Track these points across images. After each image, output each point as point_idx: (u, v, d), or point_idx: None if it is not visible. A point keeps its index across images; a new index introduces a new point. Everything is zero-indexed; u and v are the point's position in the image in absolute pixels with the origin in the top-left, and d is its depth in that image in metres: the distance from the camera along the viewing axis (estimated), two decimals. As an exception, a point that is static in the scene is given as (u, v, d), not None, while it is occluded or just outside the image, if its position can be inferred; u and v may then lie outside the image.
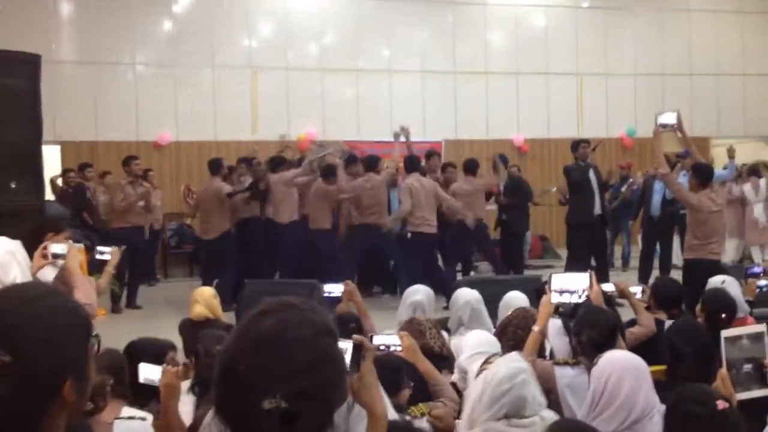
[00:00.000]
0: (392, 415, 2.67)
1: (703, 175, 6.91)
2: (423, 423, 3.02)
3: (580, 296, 4.01)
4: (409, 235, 9.46)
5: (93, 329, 1.42)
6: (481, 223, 9.95)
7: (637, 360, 3.11)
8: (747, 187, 11.61)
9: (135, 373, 3.34)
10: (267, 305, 1.39)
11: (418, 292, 4.87)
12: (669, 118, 6.59)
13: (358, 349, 1.91)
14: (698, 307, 4.70)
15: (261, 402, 1.23)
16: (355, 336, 1.94)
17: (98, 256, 5.07)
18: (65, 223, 5.19)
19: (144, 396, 3.36)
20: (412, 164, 9.61)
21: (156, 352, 3.68)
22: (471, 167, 10.10)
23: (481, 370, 2.86)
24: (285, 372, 1.26)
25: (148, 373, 3.24)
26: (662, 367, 3.90)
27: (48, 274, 4.56)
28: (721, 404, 2.45)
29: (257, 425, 1.25)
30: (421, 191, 9.23)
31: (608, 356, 3.13)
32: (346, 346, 1.91)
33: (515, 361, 2.83)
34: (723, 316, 4.39)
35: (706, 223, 6.79)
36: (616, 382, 2.97)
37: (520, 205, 10.97)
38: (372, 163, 9.84)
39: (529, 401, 2.74)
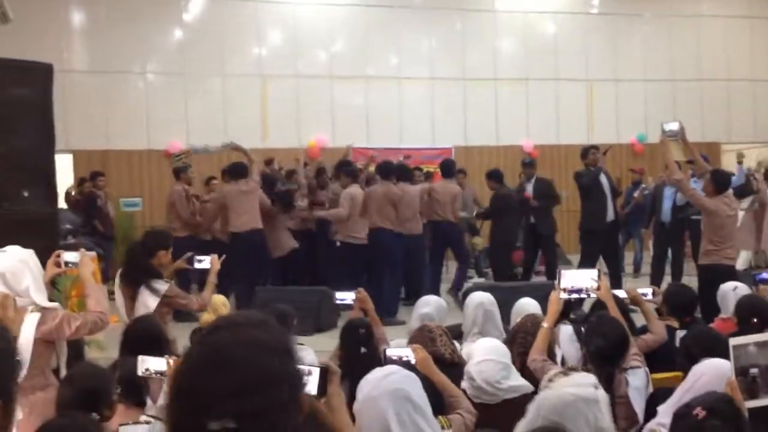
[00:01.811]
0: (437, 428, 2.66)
1: (721, 181, 6.92)
2: None
3: (588, 293, 4.01)
4: (338, 243, 9.48)
5: (17, 353, 1.40)
6: (456, 226, 10.29)
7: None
8: None
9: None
10: (218, 323, 1.34)
11: (429, 304, 4.86)
12: (674, 126, 6.62)
13: (324, 373, 1.92)
14: (730, 313, 4.70)
15: (209, 422, 1.20)
16: (321, 360, 1.96)
17: (197, 265, 5.14)
18: (171, 238, 5.27)
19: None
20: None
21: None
22: (448, 171, 10.38)
23: (544, 387, 2.70)
24: (234, 391, 1.22)
25: (150, 365, 3.22)
26: (677, 374, 3.89)
27: (149, 303, 4.63)
28: (699, 412, 2.42)
29: None
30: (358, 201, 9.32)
31: (711, 360, 3.14)
32: (312, 369, 1.92)
33: (575, 386, 2.50)
34: (755, 321, 4.37)
35: (722, 228, 6.79)
36: (705, 384, 2.96)
37: (546, 207, 10.71)
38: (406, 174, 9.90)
39: None
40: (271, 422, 1.24)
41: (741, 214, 12.21)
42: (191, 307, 5.12)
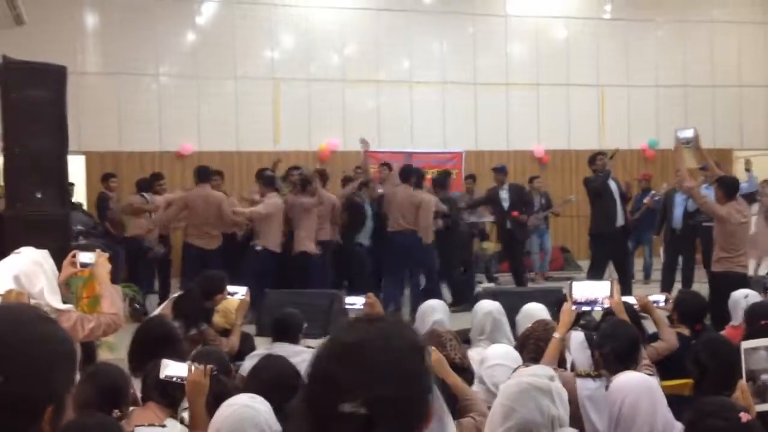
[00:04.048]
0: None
1: (729, 187, 6.92)
2: None
3: (601, 305, 4.02)
4: (259, 248, 9.30)
5: (76, 360, 1.42)
6: (415, 236, 9.62)
7: (649, 380, 3.14)
8: None
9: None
10: (364, 315, 1.42)
11: (437, 310, 4.92)
12: (688, 133, 6.62)
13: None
14: (741, 321, 4.70)
15: (342, 404, 1.24)
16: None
17: (229, 296, 5.29)
18: (226, 282, 5.41)
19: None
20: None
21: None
22: (406, 176, 9.83)
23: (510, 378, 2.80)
24: (368, 378, 1.26)
25: (172, 370, 3.26)
26: (687, 381, 3.89)
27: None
28: (744, 416, 2.44)
29: (337, 428, 1.25)
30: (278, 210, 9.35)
31: (620, 380, 3.15)
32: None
33: (530, 375, 2.61)
34: (762, 323, 4.37)
35: (734, 235, 6.78)
36: (632, 405, 2.98)
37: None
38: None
39: (538, 422, 2.49)
40: (399, 414, 1.27)
41: (753, 219, 12.35)
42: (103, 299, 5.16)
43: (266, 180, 9.73)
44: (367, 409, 1.24)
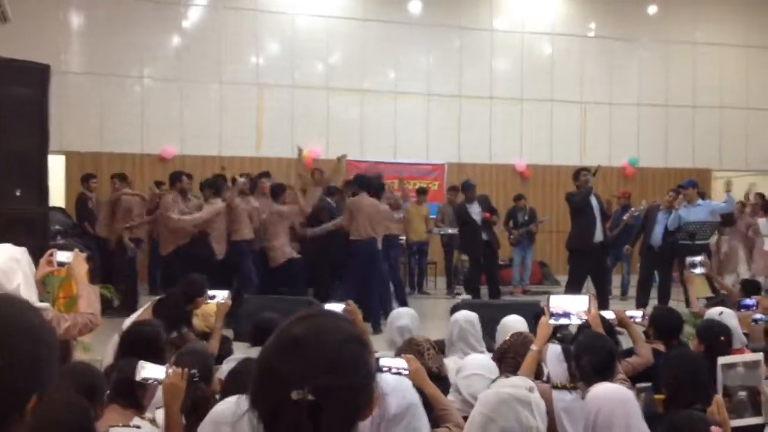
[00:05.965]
0: None
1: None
2: None
3: (579, 318, 4.05)
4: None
5: (53, 341, 1.40)
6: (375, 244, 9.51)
7: (624, 391, 3.16)
8: (762, 222, 11.89)
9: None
10: (305, 312, 1.49)
11: (403, 317, 4.96)
12: (696, 258, 6.80)
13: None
14: (695, 342, 4.71)
15: (290, 392, 1.33)
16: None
17: (209, 300, 5.26)
18: (206, 285, 5.39)
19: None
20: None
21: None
22: (368, 186, 9.71)
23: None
24: (313, 369, 1.36)
25: (149, 372, 3.22)
26: (661, 396, 3.91)
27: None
28: (716, 431, 2.47)
29: (287, 416, 1.35)
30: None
31: (596, 390, 3.17)
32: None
33: (510, 386, 2.58)
34: (722, 339, 4.41)
35: None
36: (607, 415, 3.00)
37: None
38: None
39: None
40: (345, 399, 1.38)
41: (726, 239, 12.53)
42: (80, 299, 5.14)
43: (212, 185, 9.61)
44: (314, 396, 1.33)
